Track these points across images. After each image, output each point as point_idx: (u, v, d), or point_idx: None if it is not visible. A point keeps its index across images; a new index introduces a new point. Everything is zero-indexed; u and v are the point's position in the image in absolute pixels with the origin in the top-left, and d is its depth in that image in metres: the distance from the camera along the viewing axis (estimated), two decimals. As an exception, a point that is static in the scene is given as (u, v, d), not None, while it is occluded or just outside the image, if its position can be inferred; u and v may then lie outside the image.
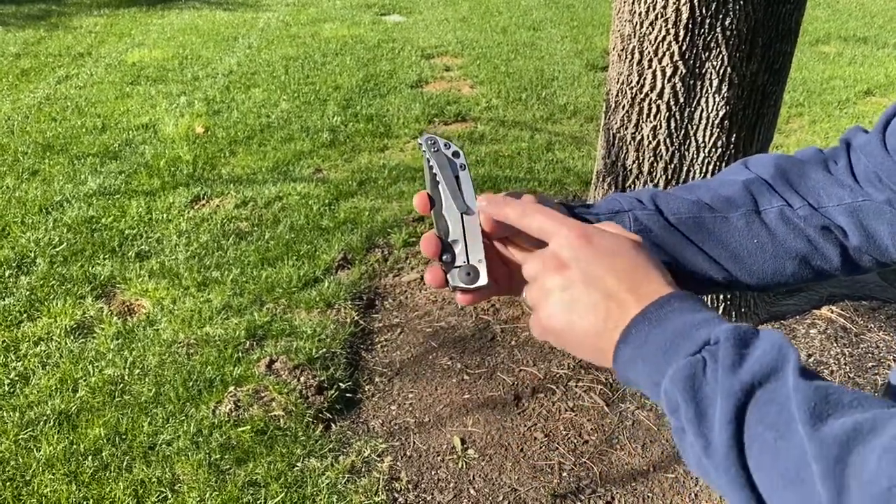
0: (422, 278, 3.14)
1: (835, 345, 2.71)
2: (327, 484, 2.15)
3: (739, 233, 0.70)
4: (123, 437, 2.31)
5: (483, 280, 0.64)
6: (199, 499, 2.09)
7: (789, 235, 0.70)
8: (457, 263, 0.64)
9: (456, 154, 0.67)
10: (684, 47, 2.19)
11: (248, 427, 2.31)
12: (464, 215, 0.65)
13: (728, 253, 0.70)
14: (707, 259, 0.70)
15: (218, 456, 2.23)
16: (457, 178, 0.67)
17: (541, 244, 0.67)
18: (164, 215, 3.62)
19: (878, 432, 0.39)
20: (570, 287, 0.56)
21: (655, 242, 0.70)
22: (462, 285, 0.64)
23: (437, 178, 0.66)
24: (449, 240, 0.65)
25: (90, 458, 2.23)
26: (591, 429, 2.38)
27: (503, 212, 0.64)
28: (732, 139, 2.34)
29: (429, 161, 0.67)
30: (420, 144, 0.68)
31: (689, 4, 2.12)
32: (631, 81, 2.34)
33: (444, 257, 0.65)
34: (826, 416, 0.42)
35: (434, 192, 0.66)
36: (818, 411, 0.42)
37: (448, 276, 0.65)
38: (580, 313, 0.56)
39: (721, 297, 2.66)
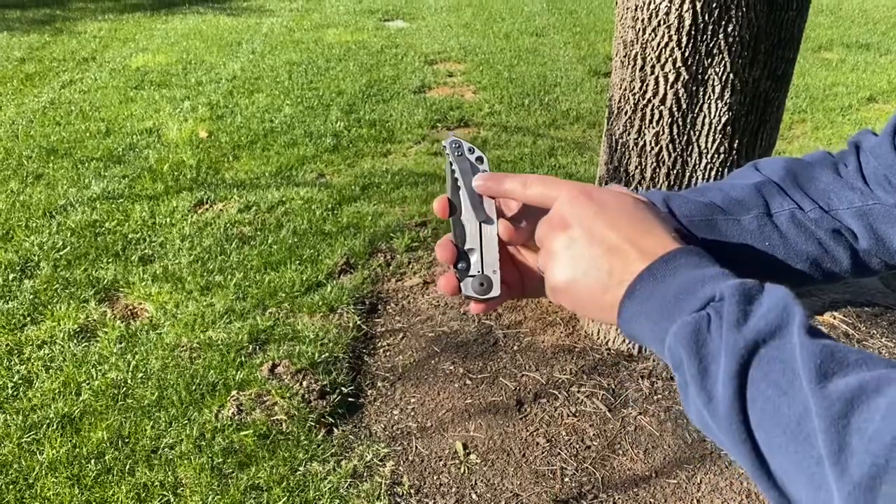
0: (424, 283, 3.14)
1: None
2: (329, 488, 2.15)
3: (751, 235, 0.70)
4: (126, 440, 2.31)
5: (496, 291, 0.64)
6: (201, 503, 2.10)
7: (800, 238, 0.71)
8: (471, 272, 0.64)
9: (480, 160, 0.66)
10: (687, 53, 2.20)
11: (251, 431, 2.31)
12: (482, 224, 0.65)
13: (739, 255, 0.70)
14: (719, 261, 0.71)
15: (220, 460, 2.23)
16: None
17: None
18: (168, 219, 3.63)
19: (882, 391, 0.39)
20: (573, 244, 0.56)
21: None
22: (475, 295, 0.64)
23: (459, 184, 0.65)
24: (465, 248, 0.64)
25: (93, 461, 2.23)
26: (594, 434, 2.38)
27: (504, 187, 0.63)
28: (735, 145, 2.35)
29: (451, 165, 0.65)
30: (444, 147, 0.66)
31: (691, 11, 2.13)
32: (633, 87, 2.35)
33: (459, 265, 0.64)
34: (831, 375, 0.41)
35: (455, 198, 0.65)
36: (823, 369, 0.42)
37: (461, 284, 0.64)
38: (584, 270, 0.55)
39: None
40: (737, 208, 0.71)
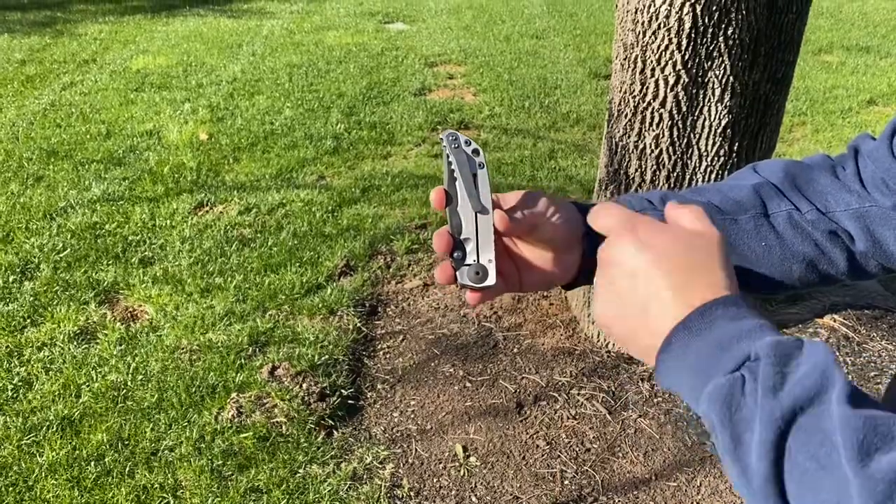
0: (424, 285, 3.14)
1: (837, 354, 2.71)
2: (329, 491, 2.15)
3: (748, 235, 0.71)
4: (126, 442, 2.31)
5: (491, 280, 0.65)
6: (200, 505, 2.10)
7: (797, 239, 0.71)
8: (467, 261, 0.65)
9: (476, 152, 0.67)
10: (687, 56, 2.20)
11: (251, 433, 2.31)
12: (478, 214, 0.66)
13: (736, 255, 0.70)
14: None
15: (220, 462, 2.23)
16: (474, 175, 0.67)
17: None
18: (168, 221, 3.64)
19: None
20: (613, 284, 0.57)
21: None
22: (470, 284, 0.65)
23: (455, 175, 0.66)
24: (461, 237, 0.66)
25: (93, 463, 2.23)
26: (594, 437, 2.38)
27: (600, 223, 0.62)
28: (735, 148, 2.35)
29: (448, 157, 0.67)
30: (441, 140, 0.68)
31: (691, 14, 2.13)
32: (633, 90, 2.35)
33: (454, 254, 0.65)
34: (874, 451, 0.40)
35: (451, 189, 0.67)
36: (866, 445, 0.40)
37: (457, 273, 0.65)
38: (622, 311, 0.56)
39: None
40: (734, 208, 0.72)
